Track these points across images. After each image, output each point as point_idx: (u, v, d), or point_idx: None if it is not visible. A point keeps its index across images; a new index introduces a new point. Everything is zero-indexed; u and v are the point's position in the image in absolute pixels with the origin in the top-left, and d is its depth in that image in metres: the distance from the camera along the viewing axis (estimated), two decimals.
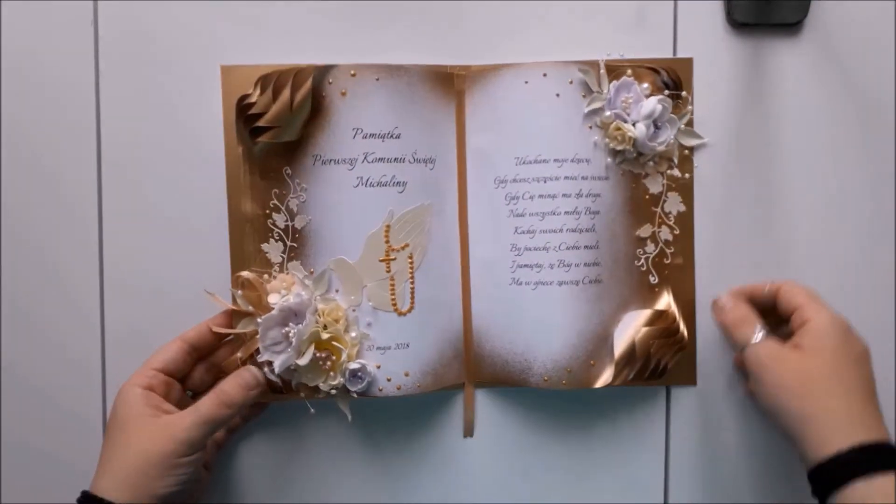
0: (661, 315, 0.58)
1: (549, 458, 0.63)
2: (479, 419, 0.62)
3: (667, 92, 0.58)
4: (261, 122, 0.55)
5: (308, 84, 0.55)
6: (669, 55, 0.60)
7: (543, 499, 0.63)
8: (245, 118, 0.56)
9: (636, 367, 0.57)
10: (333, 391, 0.56)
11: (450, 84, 0.59)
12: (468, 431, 0.61)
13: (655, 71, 0.58)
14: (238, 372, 0.55)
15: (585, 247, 0.57)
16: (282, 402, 0.59)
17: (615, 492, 0.63)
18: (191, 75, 0.60)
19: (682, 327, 0.59)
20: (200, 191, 0.59)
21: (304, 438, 0.62)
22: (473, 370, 0.60)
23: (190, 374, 0.58)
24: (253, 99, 0.55)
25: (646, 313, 0.58)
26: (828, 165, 0.62)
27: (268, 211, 0.57)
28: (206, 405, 0.53)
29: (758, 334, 0.53)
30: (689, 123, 0.59)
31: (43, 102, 0.61)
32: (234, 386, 0.54)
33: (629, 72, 0.57)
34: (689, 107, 0.59)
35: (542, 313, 0.58)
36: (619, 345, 0.58)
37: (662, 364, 0.58)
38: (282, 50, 0.60)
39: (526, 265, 0.58)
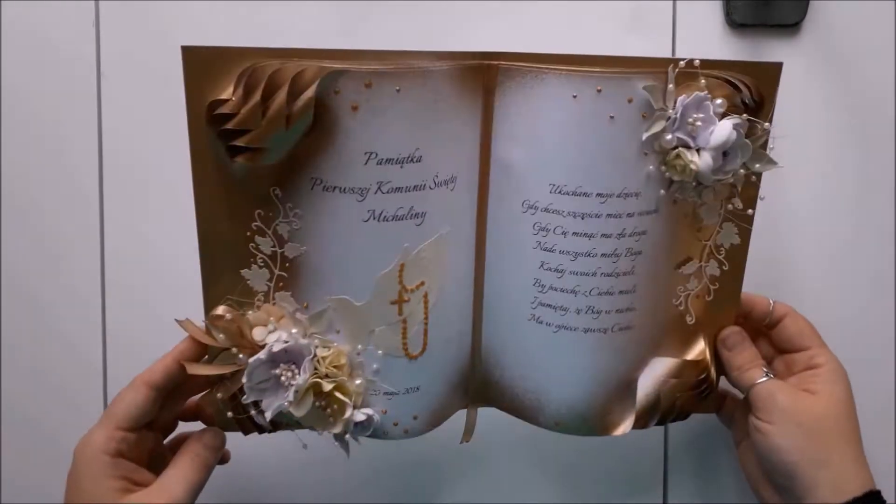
0: (690, 366, 0.53)
1: (548, 458, 0.62)
2: (479, 423, 0.57)
3: (745, 116, 0.47)
4: (241, 141, 0.43)
5: (311, 93, 0.42)
6: (668, 56, 0.54)
7: (543, 499, 0.63)
8: (219, 131, 0.43)
9: (658, 416, 0.53)
10: (337, 443, 0.50)
11: (476, 80, 0.47)
12: (466, 437, 0.56)
13: (733, 85, 0.47)
14: (202, 433, 0.50)
15: (620, 292, 0.50)
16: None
17: (615, 492, 0.63)
18: None
19: (713, 372, 0.54)
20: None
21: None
22: (480, 394, 0.55)
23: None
24: (234, 108, 0.42)
25: (673, 363, 0.53)
26: (827, 166, 0.61)
27: (249, 233, 0.47)
28: (178, 471, 0.47)
29: (765, 376, 0.52)
30: (764, 145, 0.49)
31: (43, 104, 0.59)
32: (206, 448, 0.49)
33: (702, 82, 0.47)
34: (768, 126, 0.49)
35: (561, 359, 0.52)
36: (643, 393, 0.52)
37: (686, 410, 0.54)
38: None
39: (549, 305, 0.51)
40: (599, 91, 0.46)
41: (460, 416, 0.56)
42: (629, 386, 0.53)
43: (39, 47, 0.59)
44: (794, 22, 0.60)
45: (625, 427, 0.54)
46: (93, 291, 0.60)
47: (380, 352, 0.49)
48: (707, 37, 0.60)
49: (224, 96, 0.43)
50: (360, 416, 0.49)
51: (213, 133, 0.44)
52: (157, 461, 0.50)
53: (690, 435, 0.63)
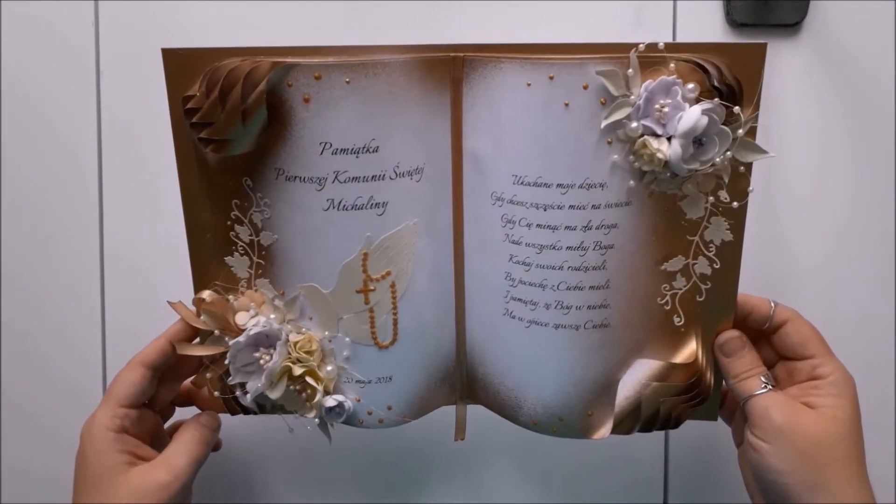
0: (677, 370, 0.49)
1: (548, 458, 0.61)
2: (479, 421, 0.56)
3: (717, 100, 0.44)
4: (206, 134, 0.46)
5: (262, 87, 0.45)
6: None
7: (543, 499, 0.62)
8: (191, 124, 0.47)
9: (641, 421, 0.50)
10: (309, 427, 0.52)
11: (443, 72, 0.48)
12: (459, 435, 0.56)
13: (704, 69, 0.44)
14: (200, 414, 0.53)
15: (591, 287, 0.48)
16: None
17: (615, 492, 0.62)
18: None
19: (709, 377, 0.50)
20: None
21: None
22: (466, 390, 0.54)
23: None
24: (199, 102, 0.46)
25: (657, 366, 0.50)
26: (827, 165, 0.61)
27: (229, 222, 0.50)
28: (188, 444, 0.50)
29: (763, 387, 0.48)
30: (751, 133, 0.46)
31: (44, 103, 0.61)
32: (204, 426, 0.52)
33: (672, 66, 0.44)
34: (738, 109, 0.45)
35: (535, 356, 0.51)
36: (623, 396, 0.50)
37: (675, 417, 0.50)
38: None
39: (520, 299, 0.50)
40: (552, 78, 0.45)
41: (452, 412, 0.56)
42: (609, 388, 0.50)
43: (39, 47, 0.60)
44: (794, 22, 0.59)
45: (604, 431, 0.51)
46: (92, 289, 0.62)
47: (348, 339, 0.51)
48: (707, 37, 0.60)
49: (191, 92, 0.47)
50: (330, 401, 0.51)
51: (190, 132, 0.47)
52: (158, 443, 0.53)
53: (690, 435, 0.59)
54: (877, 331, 0.61)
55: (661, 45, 0.44)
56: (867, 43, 0.60)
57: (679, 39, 0.59)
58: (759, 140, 0.46)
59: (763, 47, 0.45)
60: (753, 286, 0.52)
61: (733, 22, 0.59)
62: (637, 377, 0.50)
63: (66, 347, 0.62)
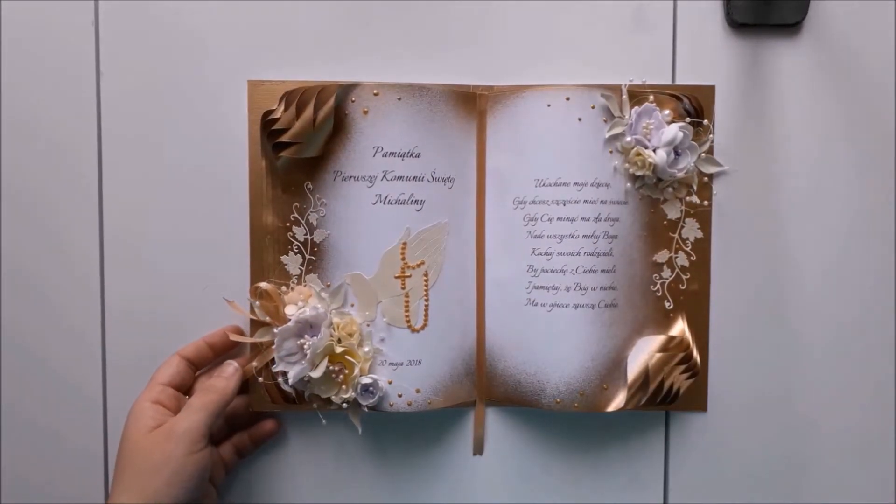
0: (674, 341, 0.59)
1: (549, 458, 0.63)
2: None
3: (688, 119, 0.58)
4: (284, 138, 0.56)
5: (331, 102, 0.56)
6: (669, 56, 0.60)
7: (544, 499, 0.63)
8: (269, 133, 0.57)
9: (649, 393, 0.57)
10: (345, 405, 0.57)
11: (472, 104, 0.59)
12: (478, 450, 0.61)
13: (677, 98, 0.58)
14: (220, 367, 0.57)
15: (602, 271, 0.58)
16: (294, 411, 0.59)
17: (615, 492, 0.63)
18: (190, 74, 0.60)
19: (696, 354, 0.59)
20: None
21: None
22: (486, 389, 0.60)
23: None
24: (277, 115, 0.56)
25: (660, 339, 0.58)
26: (826, 166, 0.62)
27: (288, 224, 0.58)
28: (195, 397, 0.55)
29: None
30: (710, 151, 0.59)
31: (43, 103, 0.61)
32: (216, 378, 0.56)
33: (651, 98, 0.58)
34: (710, 135, 0.59)
35: (557, 335, 0.58)
36: (633, 370, 0.58)
37: (674, 390, 0.58)
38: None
39: (542, 287, 0.58)
40: (568, 99, 0.57)
41: (466, 423, 0.61)
42: (619, 365, 0.58)
43: (39, 47, 0.61)
44: (794, 22, 0.60)
45: (618, 402, 0.58)
46: (92, 289, 0.62)
47: (385, 319, 0.57)
48: (707, 37, 0.61)
49: (270, 109, 0.57)
50: (366, 379, 0.56)
51: (266, 141, 0.57)
52: None
53: (691, 435, 0.62)
54: (878, 330, 0.62)
55: (643, 80, 0.59)
56: (868, 43, 0.61)
57: (679, 39, 0.61)
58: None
59: (712, 88, 0.59)
60: (753, 284, 0.60)
61: (733, 22, 0.60)
62: (643, 350, 0.58)
63: (67, 347, 0.62)
